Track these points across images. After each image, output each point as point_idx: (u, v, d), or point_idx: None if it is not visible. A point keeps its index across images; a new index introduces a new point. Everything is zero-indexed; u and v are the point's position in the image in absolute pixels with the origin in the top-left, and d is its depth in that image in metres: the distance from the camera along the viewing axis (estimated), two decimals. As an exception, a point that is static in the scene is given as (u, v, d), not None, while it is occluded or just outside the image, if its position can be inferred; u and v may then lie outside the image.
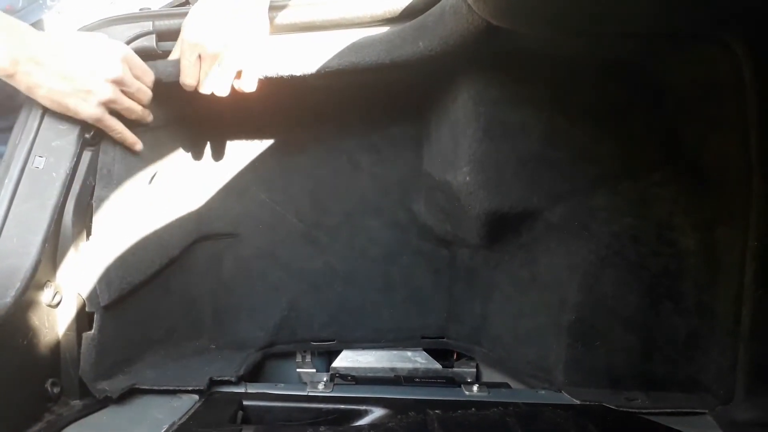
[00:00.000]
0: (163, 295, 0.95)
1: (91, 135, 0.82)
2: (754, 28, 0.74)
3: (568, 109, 0.91)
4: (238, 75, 0.86)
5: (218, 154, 1.06)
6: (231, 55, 0.84)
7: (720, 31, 0.76)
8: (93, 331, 0.80)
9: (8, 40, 0.72)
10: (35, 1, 1.06)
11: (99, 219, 0.82)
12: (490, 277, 1.03)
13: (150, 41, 0.88)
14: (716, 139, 0.83)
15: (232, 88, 0.86)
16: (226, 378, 0.87)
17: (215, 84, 0.85)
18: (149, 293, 0.88)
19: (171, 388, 0.84)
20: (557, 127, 0.92)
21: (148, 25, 0.89)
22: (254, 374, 1.02)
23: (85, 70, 0.76)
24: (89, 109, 0.78)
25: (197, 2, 0.84)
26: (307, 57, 0.86)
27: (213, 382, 0.86)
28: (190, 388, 0.84)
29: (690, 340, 0.87)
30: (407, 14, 0.87)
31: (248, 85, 0.86)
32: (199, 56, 0.83)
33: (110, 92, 0.78)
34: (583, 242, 0.92)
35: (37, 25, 1.12)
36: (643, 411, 0.83)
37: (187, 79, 0.85)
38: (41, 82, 0.74)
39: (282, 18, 0.89)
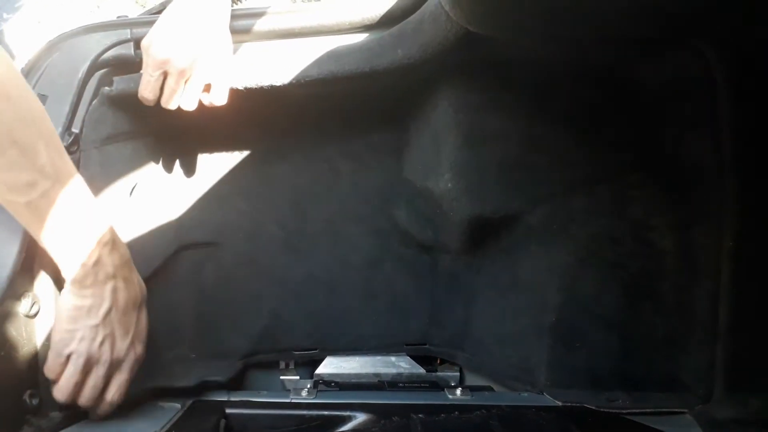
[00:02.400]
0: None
1: (69, 144, 0.81)
2: (722, 33, 0.76)
3: (546, 114, 0.92)
4: (207, 88, 0.86)
5: (198, 164, 1.05)
6: (199, 70, 0.83)
7: (691, 37, 0.78)
8: None
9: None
10: None
11: None
12: (471, 281, 1.04)
13: (128, 49, 0.88)
14: (690, 141, 0.85)
15: (201, 102, 0.86)
16: (209, 385, 0.86)
17: (183, 100, 0.85)
18: None
19: (151, 398, 0.83)
20: (536, 131, 0.93)
21: (125, 33, 0.89)
22: (237, 382, 1.01)
23: None
24: None
25: (160, 17, 0.84)
26: (285, 65, 0.87)
27: (195, 392, 0.86)
28: (170, 399, 0.83)
29: (669, 339, 0.88)
30: (386, 21, 0.88)
31: (219, 99, 0.86)
32: (164, 72, 0.83)
33: None
34: (562, 244, 0.93)
35: None
36: (624, 411, 0.84)
37: (147, 93, 0.84)
38: None
39: (260, 25, 0.89)
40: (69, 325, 0.72)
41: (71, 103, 0.84)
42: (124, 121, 0.91)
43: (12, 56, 0.87)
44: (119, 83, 0.87)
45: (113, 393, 0.77)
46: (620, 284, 0.91)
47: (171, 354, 0.99)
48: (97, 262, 0.71)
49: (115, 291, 0.74)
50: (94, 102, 0.87)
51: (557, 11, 0.67)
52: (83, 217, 0.70)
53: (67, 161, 0.69)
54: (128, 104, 0.88)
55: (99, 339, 0.73)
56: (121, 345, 0.75)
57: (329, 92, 0.90)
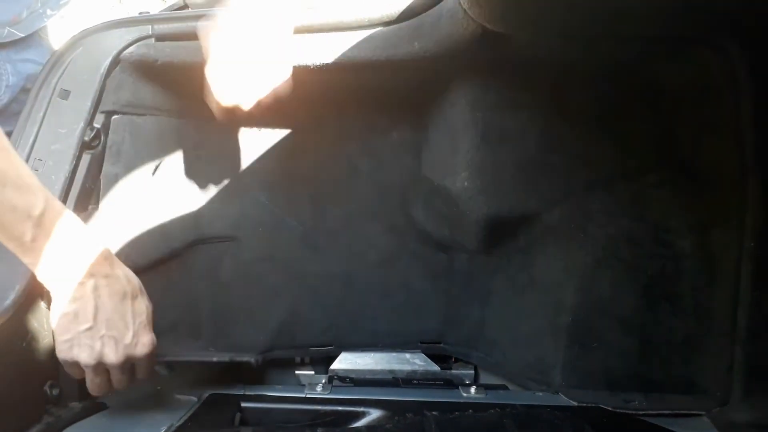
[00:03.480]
0: (166, 288, 0.96)
1: (91, 138, 0.82)
2: (748, 31, 0.75)
3: (565, 113, 0.92)
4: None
5: (221, 152, 1.06)
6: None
7: (714, 35, 0.76)
8: None
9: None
10: (36, 11, 1.08)
11: (105, 195, 0.83)
12: (487, 281, 1.04)
13: (149, 45, 0.89)
14: (711, 141, 0.84)
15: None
16: (224, 384, 0.87)
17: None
18: (151, 285, 0.87)
19: (168, 391, 0.84)
20: (554, 131, 0.93)
21: (147, 29, 0.89)
22: (253, 376, 1.02)
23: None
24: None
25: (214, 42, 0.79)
26: (303, 55, 0.87)
27: (211, 387, 0.86)
28: (187, 393, 0.84)
29: (687, 341, 0.87)
30: (404, 18, 0.88)
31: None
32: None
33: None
34: (579, 244, 0.92)
35: (41, 31, 1.13)
36: (640, 412, 0.83)
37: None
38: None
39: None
40: (64, 335, 0.71)
41: (93, 99, 0.85)
42: (145, 91, 0.92)
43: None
44: (138, 49, 0.88)
45: (141, 375, 0.78)
46: (638, 285, 0.90)
47: (190, 344, 1.00)
48: (72, 265, 0.70)
49: (96, 289, 0.71)
50: (115, 68, 0.88)
51: (577, 9, 0.67)
52: (42, 228, 0.67)
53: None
54: (148, 72, 0.89)
55: (98, 342, 0.71)
56: (125, 339, 0.74)
57: (348, 84, 0.91)
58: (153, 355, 0.78)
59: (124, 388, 0.76)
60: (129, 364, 0.75)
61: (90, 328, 0.71)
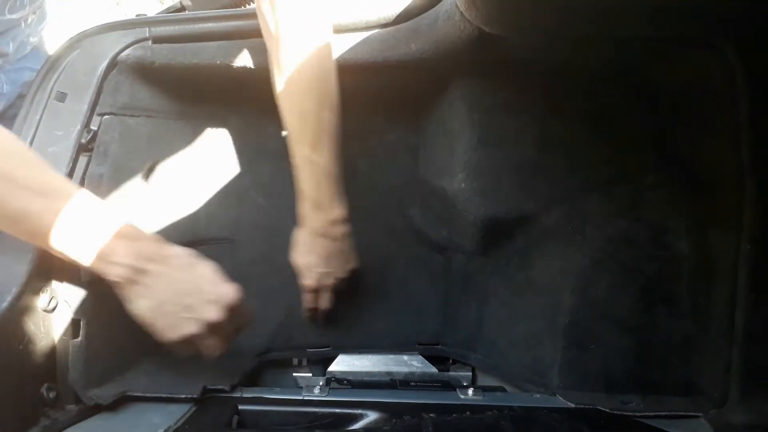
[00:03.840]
0: None
1: (87, 140, 0.82)
2: (745, 33, 0.75)
3: (562, 115, 0.92)
4: None
5: (217, 155, 1.06)
6: None
7: (712, 37, 0.76)
8: (80, 338, 0.79)
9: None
10: (23, 42, 1.07)
11: None
12: (485, 282, 1.04)
13: (146, 48, 0.89)
14: (709, 143, 0.84)
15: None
16: (221, 387, 0.87)
17: None
18: None
19: (165, 395, 0.84)
20: (551, 132, 0.93)
21: (144, 32, 0.89)
22: (251, 378, 1.02)
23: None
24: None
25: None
26: None
27: (207, 390, 0.86)
28: (184, 396, 0.84)
29: (684, 343, 0.87)
30: (401, 20, 0.88)
31: None
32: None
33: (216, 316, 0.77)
34: (577, 246, 0.92)
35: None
36: (638, 414, 0.83)
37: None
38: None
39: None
40: (164, 320, 0.76)
41: (90, 101, 0.85)
42: (141, 93, 0.92)
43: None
44: (135, 51, 0.88)
45: (243, 321, 0.83)
46: (636, 286, 0.90)
47: None
48: (143, 256, 0.74)
49: (171, 269, 0.76)
50: (112, 70, 0.88)
51: (573, 11, 0.66)
52: (91, 221, 0.71)
53: (56, 176, 0.72)
54: (145, 74, 0.89)
55: (197, 309, 0.76)
56: (214, 295, 0.77)
57: (344, 84, 0.91)
58: (242, 299, 0.80)
59: (233, 337, 0.82)
60: (229, 314, 0.78)
61: (185, 305, 0.75)
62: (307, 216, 0.91)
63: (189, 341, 0.77)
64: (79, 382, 0.79)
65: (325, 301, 1.00)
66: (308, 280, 0.96)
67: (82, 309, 0.80)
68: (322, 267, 0.95)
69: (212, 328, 0.77)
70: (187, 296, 0.76)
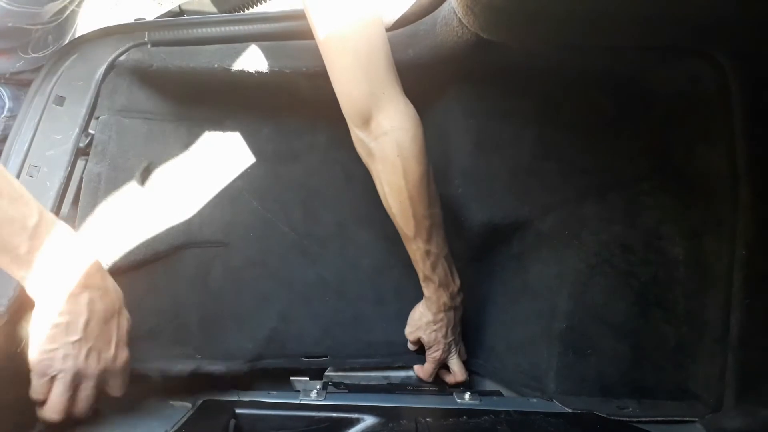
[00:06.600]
0: (149, 292, 0.94)
1: (86, 144, 0.82)
2: (738, 42, 0.76)
3: (558, 121, 0.92)
4: None
5: (212, 158, 1.05)
6: None
7: (707, 46, 0.77)
8: None
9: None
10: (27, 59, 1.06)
11: (86, 195, 0.82)
12: (482, 287, 1.04)
13: (144, 52, 0.89)
14: (703, 149, 0.85)
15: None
16: (217, 391, 0.86)
17: None
18: (131, 288, 0.83)
19: (162, 399, 0.83)
20: (547, 138, 0.93)
21: (142, 36, 0.89)
22: (247, 382, 1.01)
23: None
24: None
25: None
26: (296, 60, 0.88)
27: (204, 394, 0.86)
28: (181, 400, 0.83)
29: (679, 348, 0.88)
30: (399, 24, 0.88)
31: None
32: None
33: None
34: (573, 251, 0.93)
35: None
36: (634, 419, 0.83)
37: None
38: None
39: (272, 28, 0.90)
40: (49, 345, 0.68)
41: (88, 105, 0.85)
42: (139, 95, 0.92)
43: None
44: (133, 54, 0.88)
45: (116, 391, 0.76)
46: (631, 292, 0.90)
47: (176, 351, 0.99)
48: (66, 277, 0.69)
49: (91, 302, 0.70)
50: (109, 74, 0.88)
51: (570, 19, 0.67)
52: (37, 239, 0.66)
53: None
54: (143, 77, 0.89)
55: (84, 353, 0.70)
56: (107, 354, 0.72)
57: None
58: (127, 370, 0.76)
59: (84, 411, 0.73)
60: (103, 378, 0.73)
61: (79, 340, 0.69)
62: (432, 296, 0.95)
63: (49, 381, 0.70)
64: None
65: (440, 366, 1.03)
66: (439, 352, 0.99)
67: None
68: (450, 337, 0.98)
69: (77, 381, 0.71)
70: (91, 336, 0.71)
